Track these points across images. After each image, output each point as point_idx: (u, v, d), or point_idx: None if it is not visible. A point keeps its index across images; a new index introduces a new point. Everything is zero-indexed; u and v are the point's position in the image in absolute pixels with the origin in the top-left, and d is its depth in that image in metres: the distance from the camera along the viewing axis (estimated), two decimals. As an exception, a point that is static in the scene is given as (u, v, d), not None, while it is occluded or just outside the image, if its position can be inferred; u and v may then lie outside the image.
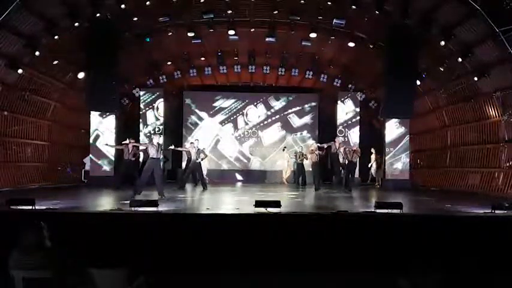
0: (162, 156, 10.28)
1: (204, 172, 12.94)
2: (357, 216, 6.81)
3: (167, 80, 15.54)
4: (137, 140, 13.87)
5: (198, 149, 11.98)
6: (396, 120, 14.31)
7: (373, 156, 14.73)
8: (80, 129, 14.62)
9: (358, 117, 15.49)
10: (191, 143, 12.68)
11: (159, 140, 10.05)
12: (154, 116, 15.22)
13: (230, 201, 9.55)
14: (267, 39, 12.52)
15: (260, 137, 16.77)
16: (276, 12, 11.53)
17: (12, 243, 3.28)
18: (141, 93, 15.30)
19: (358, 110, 15.52)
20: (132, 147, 11.72)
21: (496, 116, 11.46)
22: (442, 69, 12.25)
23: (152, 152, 9.44)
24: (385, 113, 13.02)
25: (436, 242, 5.74)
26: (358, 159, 12.30)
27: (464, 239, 5.88)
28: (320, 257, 5.83)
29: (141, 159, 12.78)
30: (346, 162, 11.78)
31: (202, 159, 12.06)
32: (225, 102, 16.78)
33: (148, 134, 15.03)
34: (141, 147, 11.98)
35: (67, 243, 3.35)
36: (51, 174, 13.33)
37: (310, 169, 12.65)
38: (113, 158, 13.68)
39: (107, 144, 12.83)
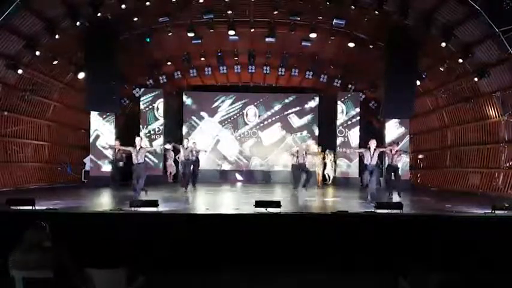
0: (143, 161, 9.45)
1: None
2: (357, 216, 6.80)
3: (167, 80, 15.53)
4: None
5: (187, 147, 11.75)
6: (396, 120, 14.31)
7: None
8: (80, 129, 14.62)
9: (358, 117, 15.48)
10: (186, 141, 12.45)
11: (141, 142, 9.57)
12: (154, 116, 15.21)
13: (230, 201, 9.55)
14: (267, 39, 12.52)
15: (260, 137, 16.76)
16: (276, 12, 11.51)
17: (12, 243, 3.28)
18: (141, 93, 15.29)
19: (358, 110, 15.51)
20: (118, 150, 11.38)
21: (496, 116, 11.46)
22: (442, 69, 12.24)
23: (133, 157, 9.24)
24: (385, 113, 13.02)
25: (436, 242, 5.75)
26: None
27: (464, 239, 5.88)
28: (320, 257, 5.83)
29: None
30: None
31: (193, 156, 11.76)
32: (225, 103, 16.78)
33: (148, 135, 15.02)
34: (126, 151, 10.78)
35: (67, 243, 3.35)
36: (51, 174, 13.33)
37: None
38: (112, 158, 13.66)
39: (104, 147, 12.82)
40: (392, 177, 10.31)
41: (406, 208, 7.26)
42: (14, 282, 3.16)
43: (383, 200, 8.88)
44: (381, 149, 10.50)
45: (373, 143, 9.58)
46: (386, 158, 10.59)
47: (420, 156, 12.00)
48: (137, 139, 9.62)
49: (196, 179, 12.18)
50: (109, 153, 13.42)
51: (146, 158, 10.52)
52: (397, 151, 10.32)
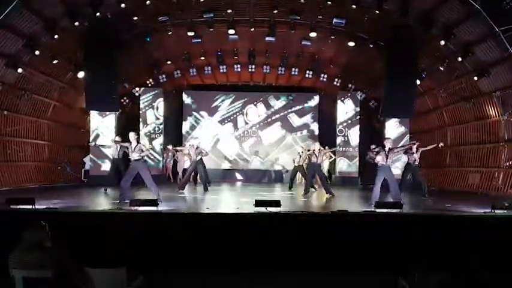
0: (139, 158, 8.61)
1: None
2: (357, 216, 6.80)
3: (167, 80, 15.53)
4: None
5: (197, 148, 11.71)
6: (396, 119, 14.33)
7: None
8: (80, 128, 14.61)
9: (358, 117, 15.48)
10: (191, 144, 12.38)
11: (136, 137, 8.77)
12: (154, 115, 15.21)
13: (230, 201, 9.55)
14: (266, 38, 12.50)
15: (260, 137, 16.76)
16: (276, 11, 11.50)
17: (12, 242, 3.28)
18: (141, 92, 15.29)
19: (358, 109, 15.51)
20: (120, 146, 10.91)
21: (496, 116, 11.46)
22: (442, 69, 12.23)
23: (130, 154, 8.54)
24: (385, 112, 13.01)
25: (436, 242, 5.75)
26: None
27: (464, 238, 5.89)
28: (320, 257, 5.83)
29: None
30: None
31: (200, 158, 11.76)
32: (225, 102, 16.78)
33: (148, 134, 15.01)
34: (124, 147, 10.05)
35: (67, 243, 3.35)
36: (51, 174, 13.32)
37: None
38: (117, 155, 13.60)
39: (104, 146, 12.77)
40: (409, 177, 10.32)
41: (406, 208, 7.27)
42: (14, 281, 3.16)
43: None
44: (402, 148, 10.40)
45: (388, 143, 9.01)
46: (407, 157, 10.52)
47: (441, 144, 11.58)
48: (131, 134, 8.75)
49: (207, 178, 12.05)
50: (110, 152, 13.37)
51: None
52: (417, 148, 10.25)
